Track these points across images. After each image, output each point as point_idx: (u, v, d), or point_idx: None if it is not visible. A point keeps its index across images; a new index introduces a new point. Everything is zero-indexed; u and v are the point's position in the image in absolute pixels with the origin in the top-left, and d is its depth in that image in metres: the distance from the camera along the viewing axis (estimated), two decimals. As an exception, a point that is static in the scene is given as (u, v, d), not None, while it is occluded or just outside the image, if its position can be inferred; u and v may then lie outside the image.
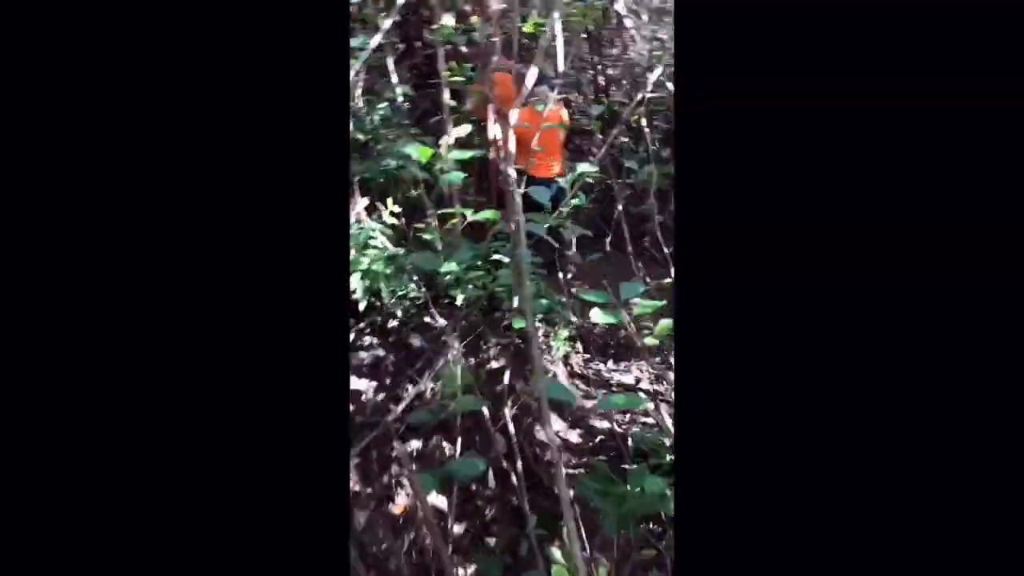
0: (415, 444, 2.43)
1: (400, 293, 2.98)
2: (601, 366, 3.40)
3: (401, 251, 3.32)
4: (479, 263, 3.36)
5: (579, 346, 3.45)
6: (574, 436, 2.60)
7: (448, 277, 3.13)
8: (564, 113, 3.74)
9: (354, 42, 2.90)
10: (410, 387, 2.73)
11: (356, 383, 2.62)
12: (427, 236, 3.42)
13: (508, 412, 2.20)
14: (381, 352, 2.80)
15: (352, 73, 1.63)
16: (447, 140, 1.78)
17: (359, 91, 3.25)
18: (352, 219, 2.90)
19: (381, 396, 2.61)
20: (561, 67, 2.60)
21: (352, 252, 2.80)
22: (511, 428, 2.24)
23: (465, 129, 1.74)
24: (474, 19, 3.37)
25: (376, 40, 1.65)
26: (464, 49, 3.23)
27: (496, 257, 3.39)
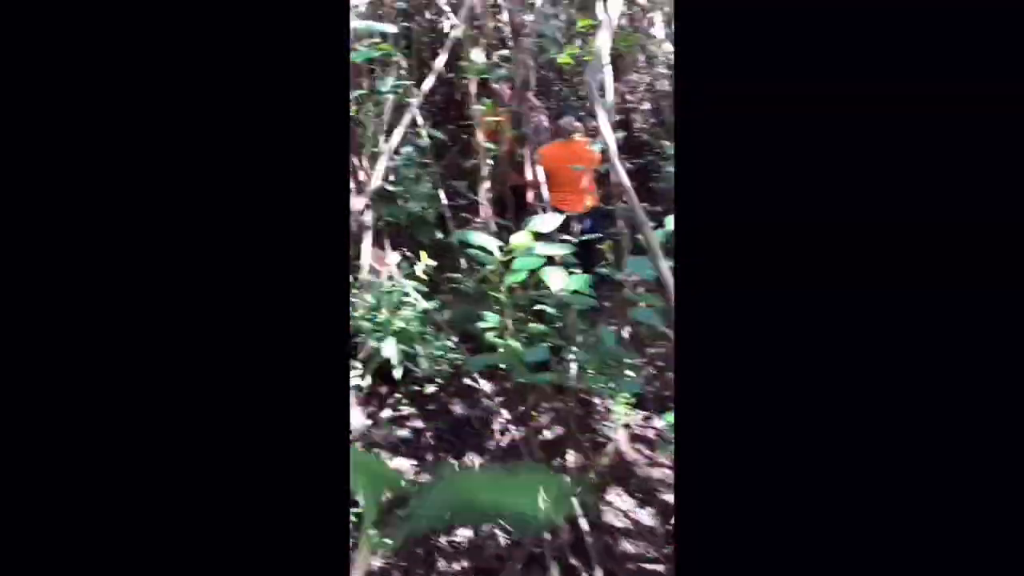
0: (464, 533, 2.17)
1: (437, 354, 2.75)
2: (660, 423, 3.11)
3: (434, 304, 3.11)
4: (523, 315, 3.13)
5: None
6: (646, 516, 2.31)
7: (490, 333, 2.91)
8: (594, 146, 3.56)
9: (383, 86, 2.75)
10: (454, 462, 2.47)
11: (395, 463, 2.37)
12: (465, 286, 3.21)
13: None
14: (420, 423, 2.56)
15: (384, 116, 1.44)
16: (526, 228, 1.54)
17: (383, 134, 3.08)
18: (384, 276, 2.69)
19: (424, 477, 2.35)
20: (610, 97, 2.40)
21: (384, 313, 2.59)
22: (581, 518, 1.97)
23: (554, 220, 1.51)
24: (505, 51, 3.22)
25: (426, 86, 1.45)
26: (495, 85, 3.07)
27: (540, 307, 3.16)
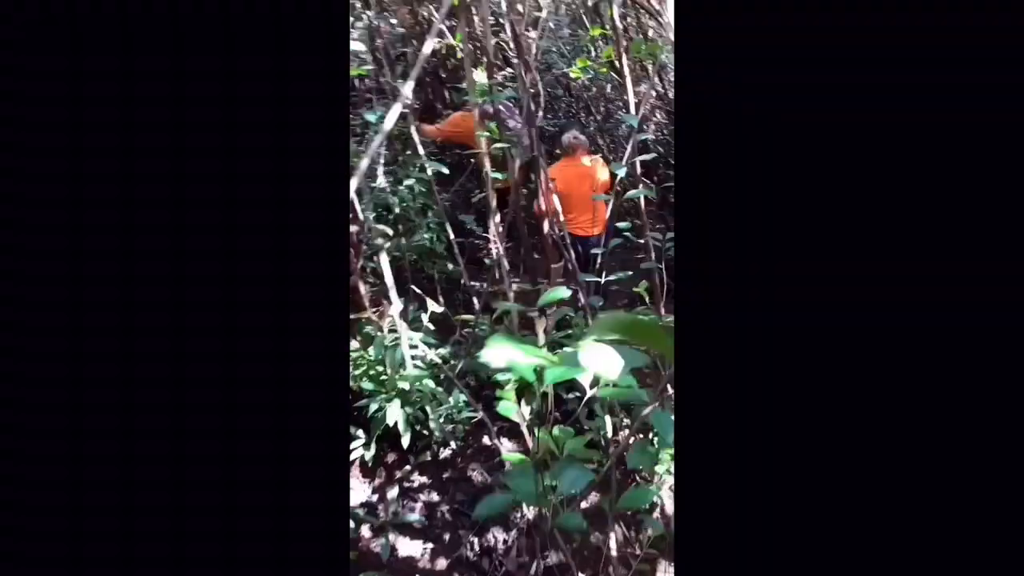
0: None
1: (449, 414, 2.46)
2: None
3: (445, 352, 2.83)
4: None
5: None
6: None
7: (509, 385, 2.62)
8: (602, 167, 3.32)
9: (371, 116, 2.51)
10: (475, 541, 2.17)
11: (407, 547, 2.08)
12: (479, 330, 2.93)
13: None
14: (435, 496, 2.27)
15: (374, 148, 1.19)
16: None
17: (381, 167, 2.84)
18: (386, 326, 2.42)
19: (441, 563, 2.06)
20: (633, 108, 2.14)
21: (388, 370, 2.32)
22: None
23: (562, 293, 1.20)
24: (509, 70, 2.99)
25: (396, 109, 1.19)
26: (500, 107, 2.82)
27: (565, 350, 2.88)
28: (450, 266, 3.47)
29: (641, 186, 2.59)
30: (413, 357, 2.48)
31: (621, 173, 1.85)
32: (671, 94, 5.40)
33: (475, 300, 3.12)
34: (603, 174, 3.28)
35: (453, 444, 2.44)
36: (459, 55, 3.12)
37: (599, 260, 2.55)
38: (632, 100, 2.14)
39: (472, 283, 3.36)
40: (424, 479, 2.36)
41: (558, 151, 3.62)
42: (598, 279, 2.13)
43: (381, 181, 2.94)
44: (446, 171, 2.70)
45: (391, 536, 2.08)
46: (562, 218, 2.88)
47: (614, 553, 2.00)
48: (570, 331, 2.88)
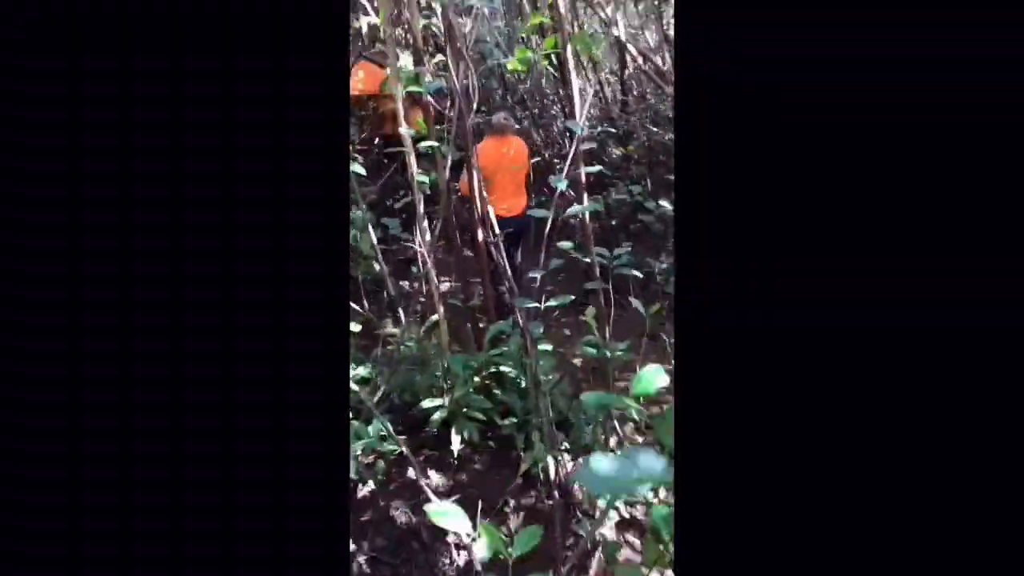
0: None
1: (365, 447, 2.51)
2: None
3: (364, 371, 2.88)
4: (476, 380, 2.92)
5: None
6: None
7: (438, 414, 2.69)
8: (526, 151, 3.83)
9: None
10: (406, 591, 2.24)
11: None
12: (405, 346, 2.98)
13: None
14: (350, 545, 2.32)
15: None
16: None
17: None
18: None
19: (367, 615, 2.11)
20: (579, 111, 2.29)
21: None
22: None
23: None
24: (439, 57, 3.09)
25: None
26: (429, 99, 2.92)
27: (501, 368, 2.97)
28: (377, 266, 3.53)
29: (587, 200, 2.75)
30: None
31: (562, 186, 1.98)
32: (607, 92, 5.72)
33: (400, 311, 3.19)
34: (527, 158, 3.74)
35: (371, 482, 2.49)
36: (383, 36, 3.21)
37: (537, 281, 2.69)
38: (577, 99, 2.29)
39: (402, 283, 3.43)
40: (344, 521, 2.40)
41: (483, 131, 3.90)
42: (537, 304, 2.25)
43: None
44: (362, 172, 2.77)
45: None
46: (494, 221, 2.99)
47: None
48: (504, 348, 3.00)
